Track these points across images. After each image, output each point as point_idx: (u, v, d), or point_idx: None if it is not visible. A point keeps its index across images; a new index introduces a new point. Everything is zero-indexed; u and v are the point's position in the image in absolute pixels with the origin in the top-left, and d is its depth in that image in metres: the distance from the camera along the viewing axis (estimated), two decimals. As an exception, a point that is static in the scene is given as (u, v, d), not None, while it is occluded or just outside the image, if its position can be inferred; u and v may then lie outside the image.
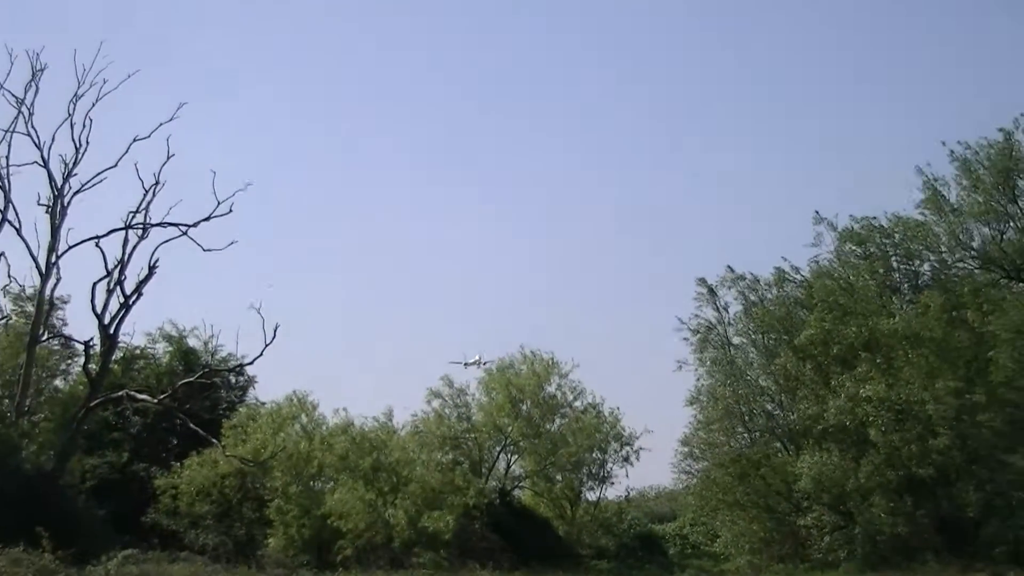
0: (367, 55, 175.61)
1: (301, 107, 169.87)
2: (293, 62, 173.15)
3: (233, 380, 69.25)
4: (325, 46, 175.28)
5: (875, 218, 66.08)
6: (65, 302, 66.14)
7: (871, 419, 57.37)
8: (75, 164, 58.34)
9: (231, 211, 58.35)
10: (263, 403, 65.61)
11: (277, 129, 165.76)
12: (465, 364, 74.15)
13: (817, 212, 67.19)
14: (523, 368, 68.41)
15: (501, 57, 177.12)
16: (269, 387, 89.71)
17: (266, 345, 55.38)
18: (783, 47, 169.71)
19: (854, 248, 66.43)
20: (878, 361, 58.87)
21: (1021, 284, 63.47)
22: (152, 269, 56.54)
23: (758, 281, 68.86)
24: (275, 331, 54.74)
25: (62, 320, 67.14)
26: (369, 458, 55.80)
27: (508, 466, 69.20)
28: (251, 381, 70.17)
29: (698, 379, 69.10)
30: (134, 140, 58.75)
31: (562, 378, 68.47)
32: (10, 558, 37.16)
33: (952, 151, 64.92)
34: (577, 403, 68.84)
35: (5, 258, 59.79)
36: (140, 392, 58.66)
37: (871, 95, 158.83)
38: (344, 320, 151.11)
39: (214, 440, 55.46)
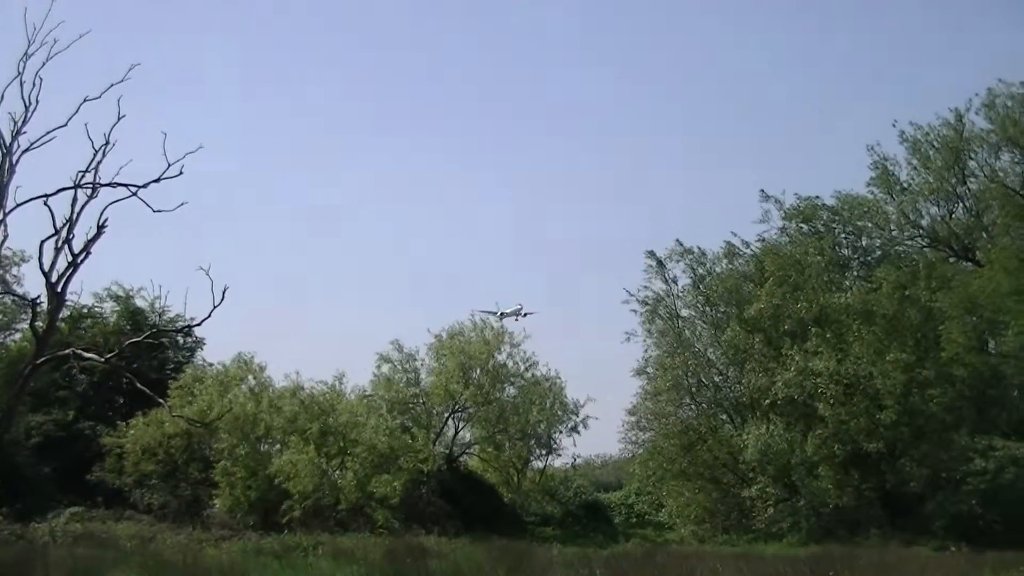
0: (322, 21, 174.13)
1: (254, 72, 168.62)
2: (245, 25, 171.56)
3: (181, 341, 68.85)
4: (279, 9, 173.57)
5: (818, 197, 67.10)
6: (25, 260, 65.74)
7: (820, 392, 57.95)
8: (24, 122, 57.58)
9: (181, 173, 58.05)
10: (211, 364, 65.39)
11: (229, 92, 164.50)
12: (501, 314, 73.58)
13: (763, 190, 67.93)
14: (473, 336, 68.45)
15: (447, 23, 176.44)
16: (219, 349, 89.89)
17: (214, 307, 55.04)
18: (731, 23, 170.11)
19: (800, 226, 67.09)
20: (828, 336, 59.40)
21: (968, 263, 64.25)
22: (101, 228, 56.08)
23: (704, 255, 69.21)
24: (223, 293, 54.53)
25: (15, 277, 66.70)
26: (317, 422, 55.68)
27: (456, 432, 69.32)
28: (199, 342, 69.94)
29: (646, 350, 69.55)
30: (84, 100, 58.25)
31: (513, 347, 68.68)
32: (-46, 513, 37.02)
33: (903, 131, 65.79)
34: (528, 373, 69.05)
35: (-50, 215, 59.28)
36: (87, 350, 58.32)
37: (820, 75, 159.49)
38: (293, 285, 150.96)
39: (161, 400, 55.17)
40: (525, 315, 72.58)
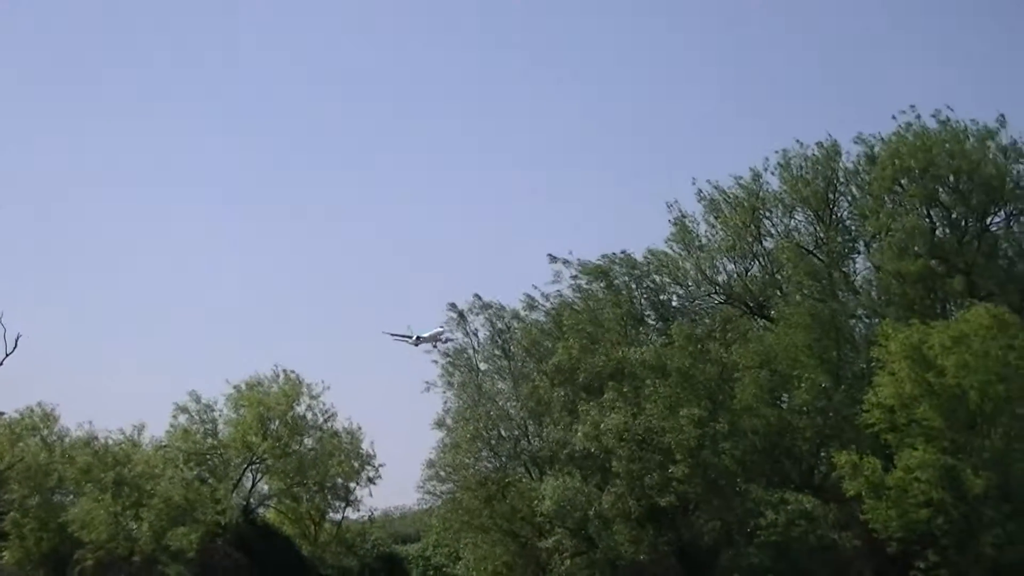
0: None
1: (37, 94, 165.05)
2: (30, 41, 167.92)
3: (-31, 390, 66.98)
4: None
5: (613, 253, 67.85)
6: None
7: (614, 448, 58.59)
8: None
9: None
10: (2, 413, 63.67)
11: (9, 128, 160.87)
12: (417, 339, 71.46)
13: (550, 254, 68.31)
14: (273, 387, 67.71)
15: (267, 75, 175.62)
16: (14, 397, 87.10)
17: (6, 355, 53.88)
18: (522, 85, 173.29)
19: (590, 284, 67.78)
20: (625, 390, 60.08)
21: (763, 320, 65.88)
22: None
23: (504, 308, 69.49)
24: (16, 342, 53.32)
25: None
26: (112, 472, 54.68)
27: (254, 484, 68.39)
28: (-12, 392, 68.03)
29: (445, 402, 69.35)
30: None
31: (313, 399, 68.06)
32: None
33: (700, 190, 67.05)
34: (327, 425, 68.53)
35: None
36: None
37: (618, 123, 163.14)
38: (90, 332, 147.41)
39: (-54, 451, 53.71)
40: (446, 341, 70.31)
